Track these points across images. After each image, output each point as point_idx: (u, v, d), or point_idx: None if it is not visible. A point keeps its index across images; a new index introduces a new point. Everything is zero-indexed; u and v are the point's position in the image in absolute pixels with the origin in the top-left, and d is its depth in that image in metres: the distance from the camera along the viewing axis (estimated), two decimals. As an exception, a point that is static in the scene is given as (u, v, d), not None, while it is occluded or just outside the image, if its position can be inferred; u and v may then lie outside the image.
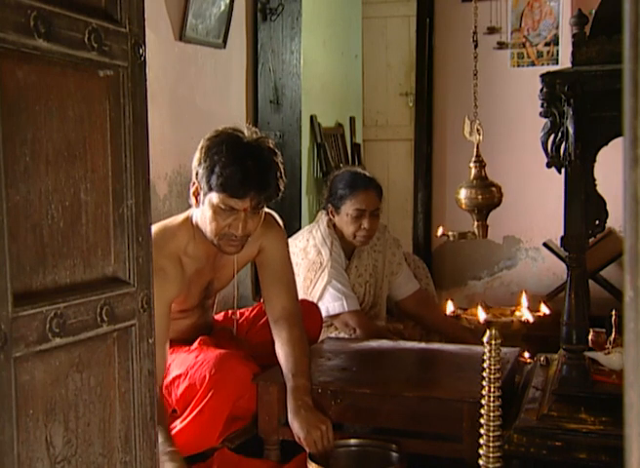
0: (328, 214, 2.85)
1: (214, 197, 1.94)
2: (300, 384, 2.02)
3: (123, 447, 1.07)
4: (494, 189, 1.92)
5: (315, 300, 2.72)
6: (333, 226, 2.86)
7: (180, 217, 2.13)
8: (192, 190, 2.01)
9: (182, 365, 2.08)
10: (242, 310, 2.53)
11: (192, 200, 2.02)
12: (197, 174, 1.97)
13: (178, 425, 2.00)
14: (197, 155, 1.98)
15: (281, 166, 2.01)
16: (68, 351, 0.96)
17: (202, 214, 2.01)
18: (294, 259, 2.51)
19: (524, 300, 1.65)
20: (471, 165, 1.93)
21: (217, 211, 1.96)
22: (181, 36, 3.08)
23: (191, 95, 3.21)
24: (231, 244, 2.01)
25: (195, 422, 1.97)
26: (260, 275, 2.30)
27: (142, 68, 1.07)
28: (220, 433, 2.03)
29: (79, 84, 0.99)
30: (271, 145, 2.03)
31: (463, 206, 1.93)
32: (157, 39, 2.91)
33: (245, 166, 1.92)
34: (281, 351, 2.12)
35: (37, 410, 0.92)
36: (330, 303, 2.73)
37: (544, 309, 1.63)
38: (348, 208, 2.77)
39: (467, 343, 2.59)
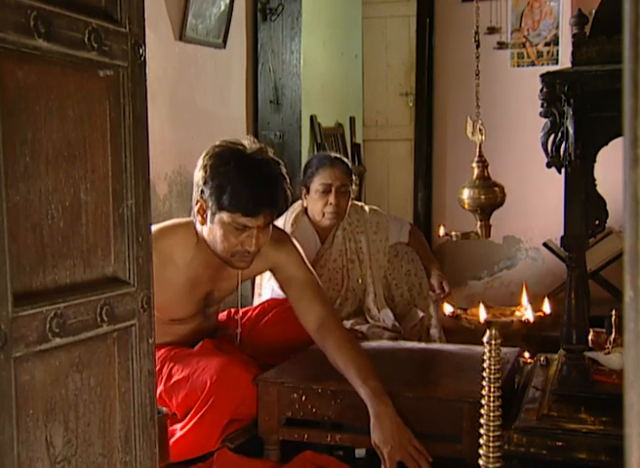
0: (302, 198, 2.88)
1: (225, 216, 1.92)
2: (374, 387, 1.96)
3: (123, 447, 1.07)
4: (497, 189, 1.92)
5: (259, 289, 2.79)
6: (305, 212, 2.87)
7: (183, 220, 2.12)
8: (196, 208, 1.98)
9: (184, 369, 2.07)
10: (244, 309, 2.52)
11: (197, 218, 1.99)
12: (202, 192, 1.94)
13: (178, 431, 1.99)
14: (201, 173, 1.94)
15: (286, 176, 2.00)
16: (68, 351, 0.96)
17: (210, 231, 1.98)
18: None
19: (524, 296, 1.65)
20: (474, 165, 1.93)
21: (228, 229, 1.94)
22: (181, 36, 3.08)
23: (191, 95, 3.21)
24: (243, 260, 2.00)
25: (195, 428, 1.97)
26: (285, 292, 2.26)
27: (142, 68, 1.07)
28: (218, 437, 2.02)
29: (79, 84, 0.99)
30: (273, 156, 2.02)
31: (466, 206, 1.93)
32: (157, 39, 2.91)
33: (257, 184, 1.91)
34: (337, 358, 2.06)
35: (37, 410, 0.92)
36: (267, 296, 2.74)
37: (547, 306, 1.62)
38: (316, 184, 2.79)
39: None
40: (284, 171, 2.01)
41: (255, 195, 1.90)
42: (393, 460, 1.91)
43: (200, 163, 1.96)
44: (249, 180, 1.90)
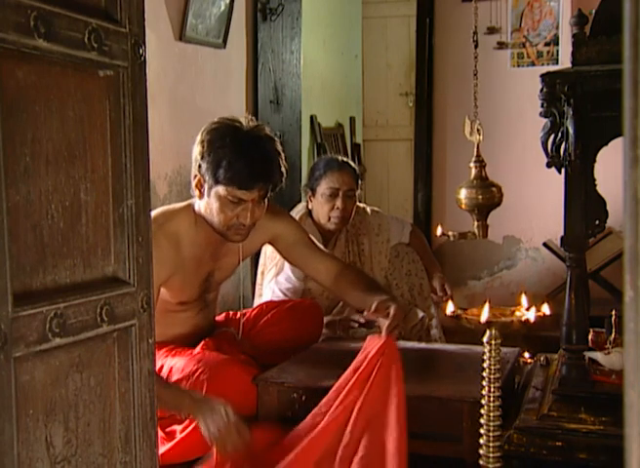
0: (307, 200, 2.88)
1: (221, 190, 1.98)
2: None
3: (123, 447, 1.07)
4: (494, 189, 1.92)
5: (260, 290, 2.80)
6: (310, 214, 2.87)
7: (181, 204, 2.17)
8: (195, 183, 2.04)
9: (184, 369, 2.07)
10: (243, 311, 2.52)
11: (195, 192, 2.06)
12: (200, 167, 2.00)
13: (178, 433, 1.99)
14: (198, 148, 2.00)
15: (282, 153, 2.07)
16: (68, 351, 0.96)
17: (207, 205, 2.04)
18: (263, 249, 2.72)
19: (524, 301, 1.65)
20: (471, 165, 1.93)
21: (224, 202, 2.00)
22: (181, 36, 3.08)
23: (191, 95, 3.21)
24: (239, 233, 2.06)
25: (195, 430, 1.96)
26: (292, 259, 2.35)
27: (142, 68, 1.07)
28: None
29: (79, 84, 0.99)
30: (269, 133, 2.08)
31: (463, 206, 1.93)
32: (157, 39, 2.91)
33: (251, 158, 1.97)
34: (359, 287, 2.18)
35: (37, 410, 0.92)
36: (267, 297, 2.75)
37: (546, 309, 1.62)
38: (323, 187, 2.79)
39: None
40: (279, 147, 2.07)
41: (250, 169, 1.96)
42: (398, 316, 1.97)
43: (198, 138, 2.03)
44: (244, 155, 1.96)
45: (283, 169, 2.05)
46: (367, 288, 2.17)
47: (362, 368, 1.87)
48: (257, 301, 2.79)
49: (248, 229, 2.06)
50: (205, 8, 3.19)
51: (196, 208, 2.10)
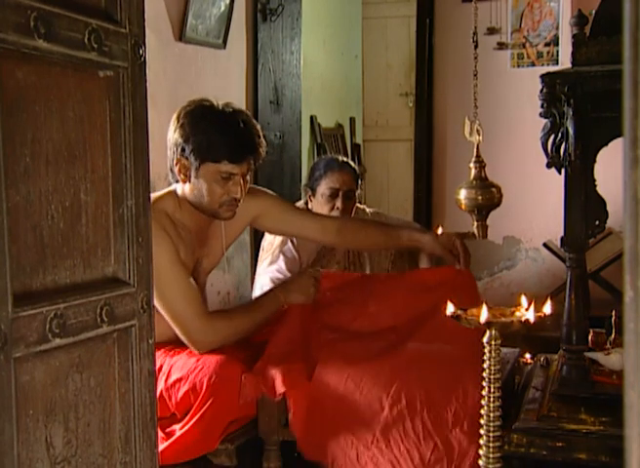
0: (307, 199, 2.88)
1: (210, 167, 1.99)
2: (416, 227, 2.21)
3: (123, 447, 1.07)
4: (494, 190, 1.92)
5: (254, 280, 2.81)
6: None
7: (161, 191, 2.17)
8: (177, 168, 2.03)
9: (183, 368, 2.06)
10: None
11: (179, 177, 2.05)
12: (183, 150, 2.00)
13: (177, 431, 1.98)
14: (179, 132, 2.01)
15: (257, 124, 2.09)
16: (68, 351, 0.96)
17: (194, 187, 2.04)
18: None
19: (523, 302, 1.65)
20: (471, 165, 1.94)
21: (214, 180, 2.01)
22: (182, 37, 3.08)
23: (191, 95, 3.19)
24: (231, 209, 2.07)
25: (195, 428, 1.96)
26: (285, 229, 2.37)
27: (142, 69, 1.07)
28: (218, 437, 2.02)
29: (79, 84, 0.99)
30: (240, 108, 2.11)
31: (463, 206, 1.93)
32: (157, 39, 2.91)
33: (237, 132, 1.99)
34: (369, 231, 2.25)
35: (37, 411, 0.92)
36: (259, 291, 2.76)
37: (547, 307, 1.62)
38: (323, 187, 2.80)
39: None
40: (254, 119, 2.10)
41: (237, 142, 1.99)
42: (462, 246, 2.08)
43: (174, 124, 2.03)
44: (229, 130, 1.99)
45: (263, 140, 2.08)
46: (380, 224, 2.26)
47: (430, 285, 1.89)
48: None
49: (237, 204, 2.08)
50: (205, 8, 3.19)
51: (179, 192, 2.10)
